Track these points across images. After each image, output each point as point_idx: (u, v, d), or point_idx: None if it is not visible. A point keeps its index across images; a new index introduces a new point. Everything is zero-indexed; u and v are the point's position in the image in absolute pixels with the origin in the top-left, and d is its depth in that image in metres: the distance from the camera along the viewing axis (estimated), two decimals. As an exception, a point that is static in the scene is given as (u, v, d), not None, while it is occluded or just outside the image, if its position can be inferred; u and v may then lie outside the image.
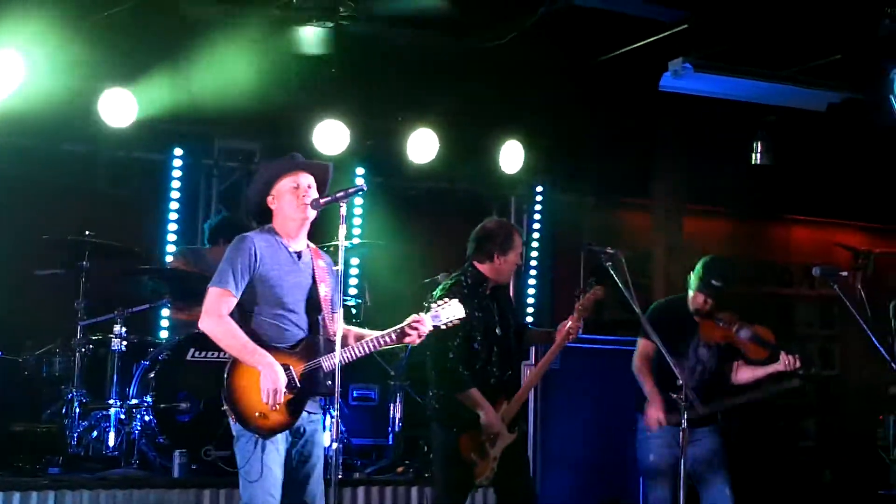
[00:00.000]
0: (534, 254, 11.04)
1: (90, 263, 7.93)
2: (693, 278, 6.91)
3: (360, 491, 7.69)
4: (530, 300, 10.97)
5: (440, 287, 6.38)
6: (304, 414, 5.37)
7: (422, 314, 5.53)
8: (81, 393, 7.77)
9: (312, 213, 5.45)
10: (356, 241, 9.45)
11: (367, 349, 5.45)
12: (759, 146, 10.05)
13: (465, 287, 6.30)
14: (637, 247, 10.69)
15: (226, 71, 8.20)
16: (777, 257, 12.59)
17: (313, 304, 5.42)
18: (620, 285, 6.34)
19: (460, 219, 9.78)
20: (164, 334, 9.00)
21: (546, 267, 11.09)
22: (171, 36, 8.16)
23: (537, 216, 11.08)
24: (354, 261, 9.70)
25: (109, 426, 7.70)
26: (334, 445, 5.26)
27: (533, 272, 11.01)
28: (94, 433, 7.77)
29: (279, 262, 5.38)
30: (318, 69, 8.67)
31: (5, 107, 8.00)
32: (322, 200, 5.39)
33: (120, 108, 8.56)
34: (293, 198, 5.43)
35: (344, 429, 8.22)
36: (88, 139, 8.72)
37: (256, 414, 5.22)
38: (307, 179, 5.48)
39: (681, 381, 6.25)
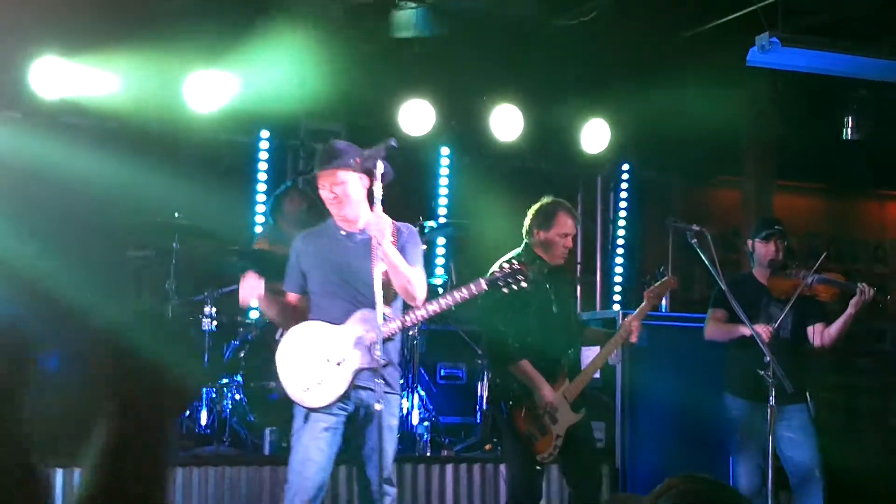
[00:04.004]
0: (621, 233, 10.97)
1: (180, 245, 8.07)
2: (754, 236, 6.98)
3: (449, 468, 7.72)
4: (618, 279, 10.91)
5: (497, 263, 6.43)
6: (359, 390, 5.43)
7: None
8: (173, 372, 7.90)
9: (329, 192, 5.56)
10: (442, 220, 9.49)
11: (418, 318, 5.54)
12: (850, 121, 9.88)
13: (517, 263, 6.35)
14: (727, 224, 10.60)
15: (311, 54, 8.26)
16: (870, 234, 12.37)
17: (364, 280, 5.44)
18: (707, 262, 6.32)
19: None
20: (253, 314, 9.10)
21: (634, 246, 11.02)
22: (257, 19, 8.24)
23: (624, 195, 11.00)
24: (441, 241, 9.73)
25: (201, 405, 7.82)
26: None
27: (620, 251, 10.95)
28: (187, 412, 7.89)
29: (322, 245, 5.59)
30: (401, 50, 8.70)
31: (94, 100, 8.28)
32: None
33: (207, 91, 8.66)
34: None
35: (432, 407, 8.28)
36: (176, 122, 8.82)
37: (302, 388, 5.37)
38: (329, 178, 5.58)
39: (768, 358, 6.21)
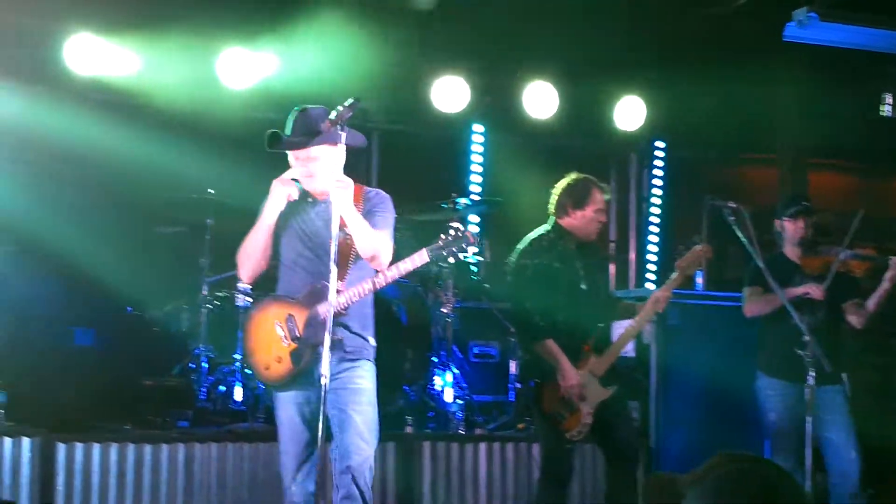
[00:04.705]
0: (655, 210, 10.92)
1: (214, 221, 8.09)
2: (781, 215, 6.93)
3: (482, 447, 7.70)
4: (652, 257, 10.86)
5: (525, 240, 6.44)
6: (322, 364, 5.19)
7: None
8: (208, 348, 7.94)
9: (303, 166, 5.46)
10: (475, 197, 9.46)
11: (365, 290, 5.30)
12: (887, 98, 9.79)
13: (546, 240, 6.39)
14: (761, 203, 10.51)
15: (345, 31, 8.24)
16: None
17: (328, 249, 5.22)
18: (743, 240, 6.26)
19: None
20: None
21: (667, 224, 10.96)
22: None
23: (658, 172, 10.94)
24: (474, 218, 9.72)
25: (236, 381, 7.84)
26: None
27: (654, 229, 10.89)
28: (222, 388, 7.91)
29: (291, 214, 5.44)
30: (437, 26, 8.67)
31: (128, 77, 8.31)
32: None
33: (241, 69, 8.67)
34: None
35: (466, 385, 8.26)
36: (210, 99, 8.81)
37: (263, 367, 5.35)
38: (304, 153, 5.48)
39: (807, 337, 6.15)
